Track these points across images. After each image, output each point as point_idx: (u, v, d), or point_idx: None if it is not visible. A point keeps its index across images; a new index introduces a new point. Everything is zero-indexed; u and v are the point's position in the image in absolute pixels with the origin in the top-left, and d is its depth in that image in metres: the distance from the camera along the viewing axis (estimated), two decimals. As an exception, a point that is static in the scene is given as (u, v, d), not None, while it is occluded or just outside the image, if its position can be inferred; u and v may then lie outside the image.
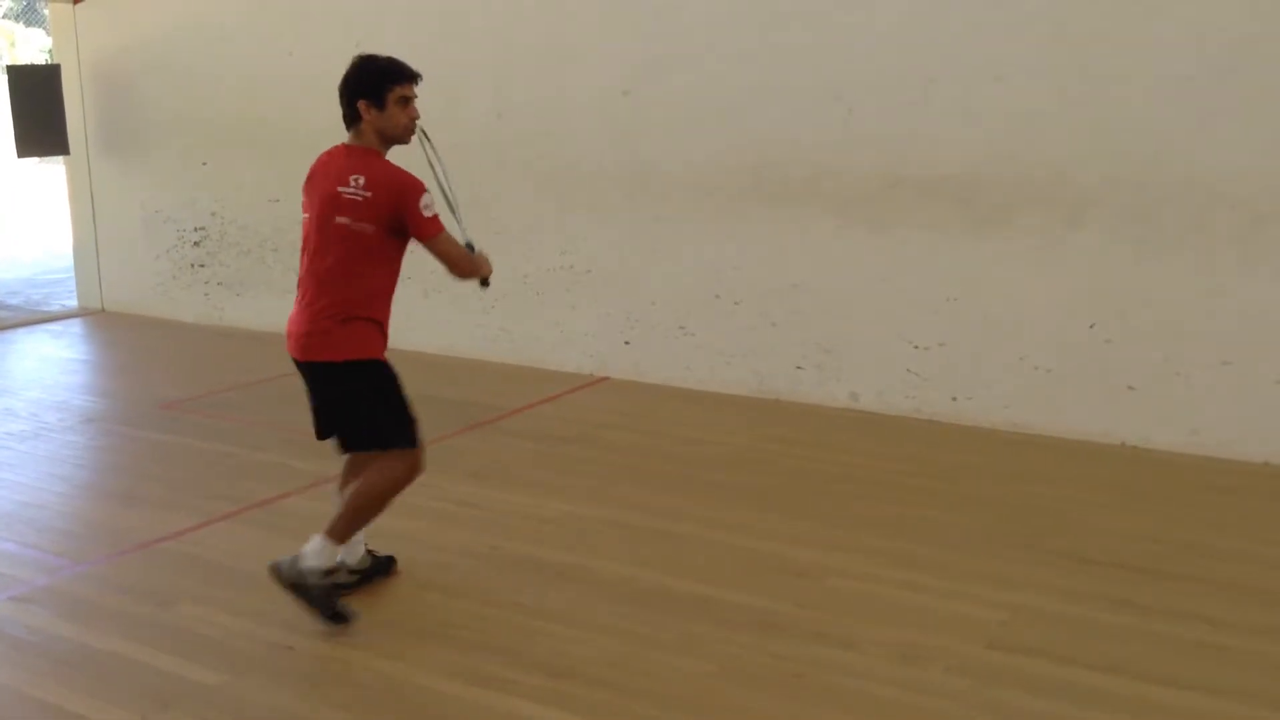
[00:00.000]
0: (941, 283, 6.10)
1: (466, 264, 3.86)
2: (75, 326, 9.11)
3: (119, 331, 8.90)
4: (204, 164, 8.74)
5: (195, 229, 8.89)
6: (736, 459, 5.64)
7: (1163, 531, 4.66)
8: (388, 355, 3.90)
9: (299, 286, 3.90)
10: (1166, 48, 5.42)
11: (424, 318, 7.48)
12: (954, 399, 6.16)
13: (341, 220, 3.68)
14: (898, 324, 6.26)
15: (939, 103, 5.96)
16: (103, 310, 9.52)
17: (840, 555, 4.43)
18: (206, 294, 8.92)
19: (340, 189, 3.68)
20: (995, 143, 5.87)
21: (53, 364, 7.96)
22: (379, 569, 4.21)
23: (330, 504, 4.92)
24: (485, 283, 4.00)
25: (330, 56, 7.87)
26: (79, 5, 9.12)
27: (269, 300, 8.57)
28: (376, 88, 3.72)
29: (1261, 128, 5.28)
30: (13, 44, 24.78)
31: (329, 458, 5.58)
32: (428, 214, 3.69)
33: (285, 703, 3.43)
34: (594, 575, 4.28)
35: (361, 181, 3.65)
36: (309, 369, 3.85)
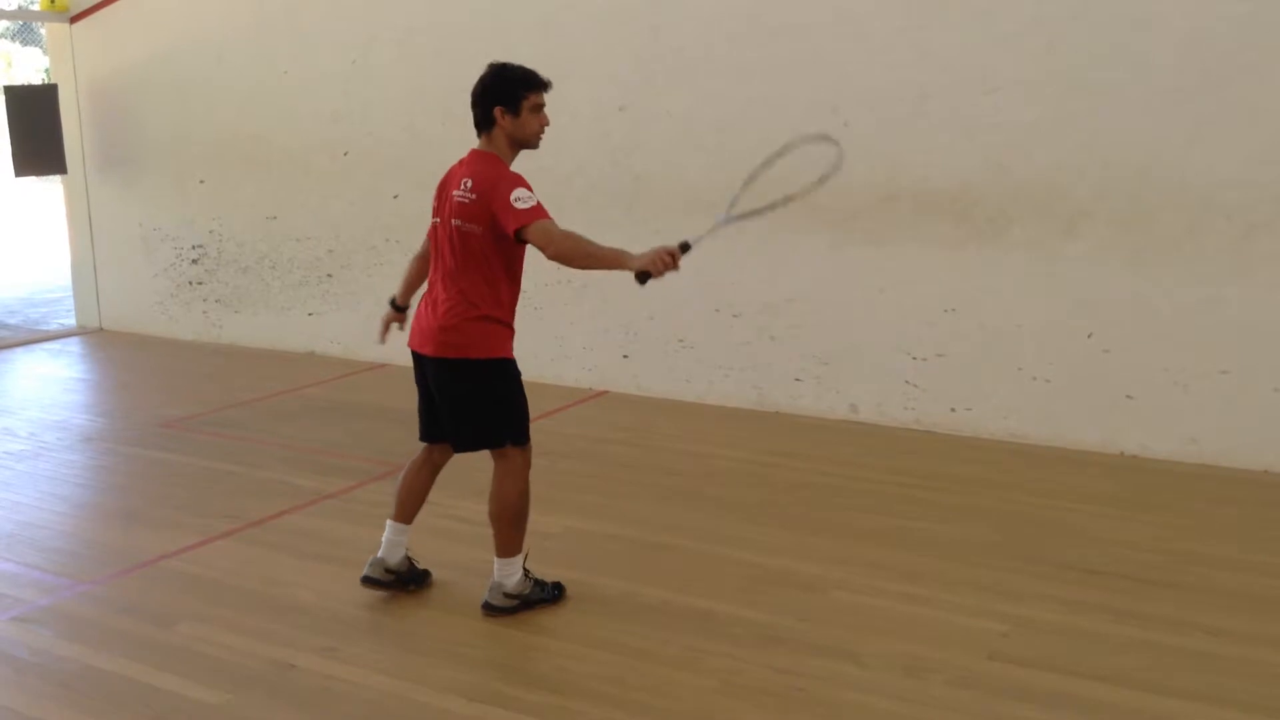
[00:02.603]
0: (939, 294, 6.12)
1: (575, 250, 3.75)
2: (74, 345, 9.11)
3: (118, 350, 8.90)
4: (201, 182, 8.76)
5: (193, 247, 8.90)
6: (736, 472, 5.64)
7: (1163, 541, 4.67)
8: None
9: (430, 287, 3.97)
10: (1157, 59, 5.45)
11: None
12: (953, 410, 6.16)
13: (456, 223, 3.80)
14: (896, 336, 6.27)
15: (933, 116, 5.98)
16: (101, 329, 9.52)
17: (841, 568, 4.43)
18: (205, 311, 8.93)
19: (455, 193, 3.82)
20: (989, 155, 5.89)
21: (52, 383, 7.97)
22: (414, 578, 4.26)
23: (332, 520, 4.92)
24: (641, 278, 3.73)
25: (326, 75, 8.01)
26: (76, 25, 9.15)
27: (268, 317, 8.58)
28: (513, 95, 3.81)
29: (1254, 137, 5.30)
30: (10, 64, 24.86)
31: (329, 475, 5.60)
32: (520, 205, 3.70)
33: (287, 721, 3.43)
34: (595, 590, 4.28)
35: (470, 184, 3.78)
36: (435, 365, 3.88)
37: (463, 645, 3.87)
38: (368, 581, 4.16)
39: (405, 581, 4.21)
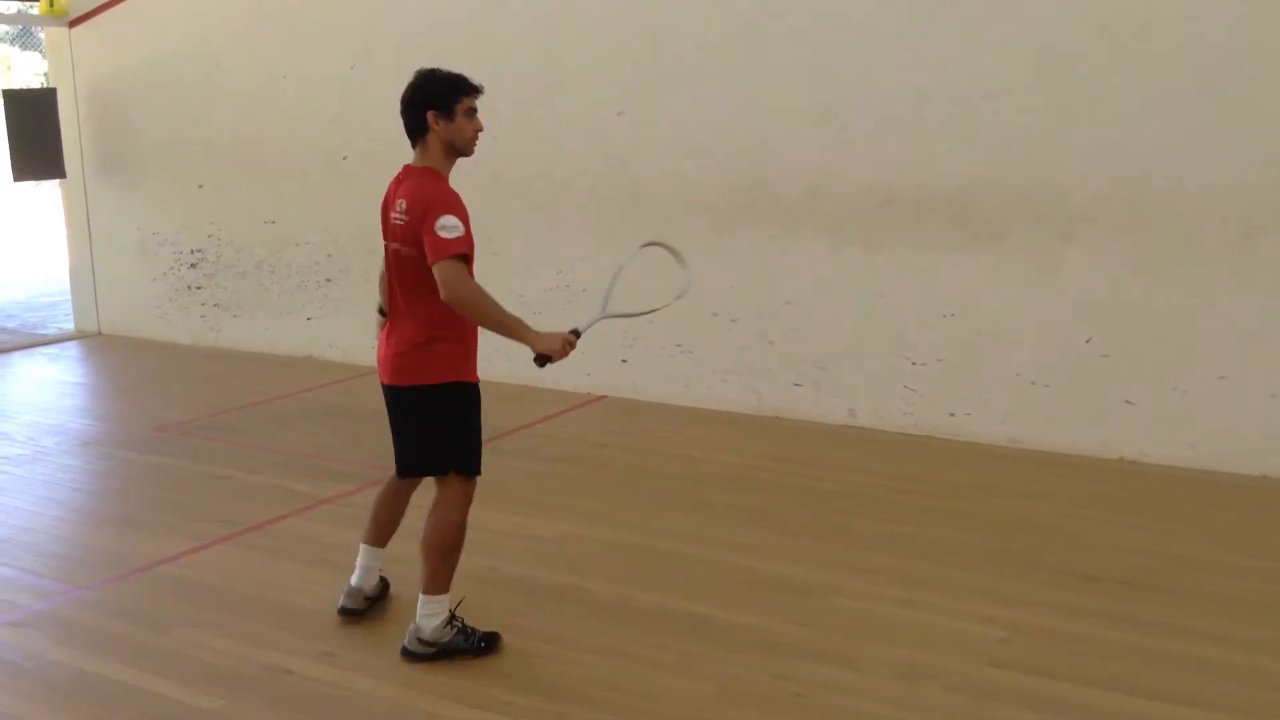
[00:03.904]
0: (937, 299, 6.12)
1: (475, 305, 3.53)
2: (72, 349, 9.10)
3: (116, 354, 8.89)
4: (200, 186, 8.76)
5: (192, 251, 8.90)
6: (735, 477, 5.64)
7: (1161, 546, 4.66)
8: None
9: (389, 312, 3.81)
10: (1156, 64, 5.45)
11: (421, 338, 7.48)
12: (951, 415, 6.16)
13: (394, 246, 3.66)
14: (894, 341, 6.26)
15: (931, 121, 5.99)
16: (99, 333, 9.52)
17: (839, 573, 4.42)
18: (203, 316, 8.92)
19: (394, 215, 3.67)
20: (987, 160, 5.89)
21: (50, 387, 7.96)
22: (383, 595, 4.20)
23: (328, 525, 4.91)
24: (540, 360, 3.66)
25: (324, 80, 8.01)
26: (75, 29, 9.15)
27: (266, 322, 8.58)
28: (445, 99, 3.65)
29: (1252, 142, 5.30)
30: (8, 68, 24.86)
31: (325, 480, 5.59)
32: (442, 235, 3.48)
33: (283, 727, 3.42)
34: (592, 596, 4.27)
35: (404, 205, 3.62)
36: (390, 392, 3.77)
37: (459, 650, 3.85)
38: (346, 613, 4.05)
39: (375, 602, 4.15)
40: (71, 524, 5.29)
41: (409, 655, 3.76)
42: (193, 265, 8.92)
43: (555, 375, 7.21)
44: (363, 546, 4.10)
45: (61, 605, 4.26)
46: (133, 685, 3.63)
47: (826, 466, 5.77)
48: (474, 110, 3.71)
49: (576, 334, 3.70)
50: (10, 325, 10.22)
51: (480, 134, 3.75)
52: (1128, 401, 5.72)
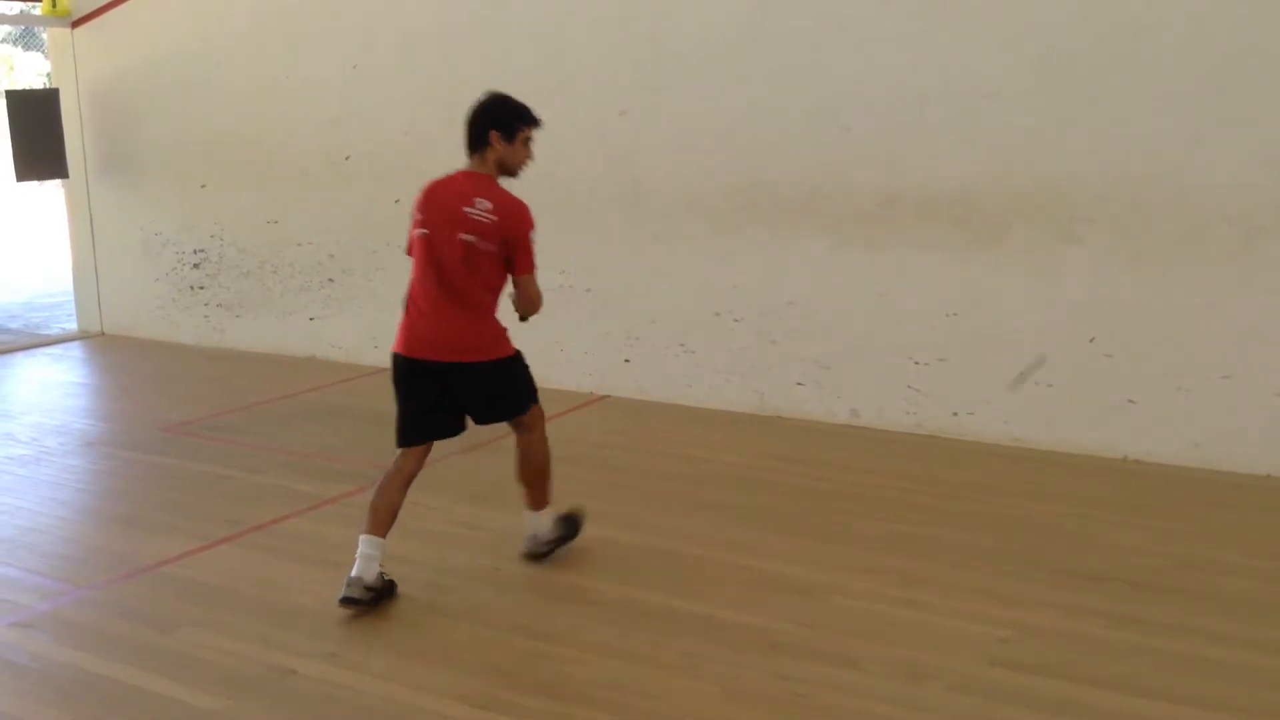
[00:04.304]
0: (940, 299, 6.11)
1: (534, 305, 4.26)
2: (75, 350, 9.11)
3: (119, 354, 8.90)
4: (202, 186, 8.77)
5: (195, 251, 8.91)
6: (737, 477, 5.64)
7: (1164, 546, 4.66)
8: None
9: (422, 295, 4.16)
10: (1158, 63, 5.45)
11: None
12: (954, 414, 6.16)
13: (469, 238, 4.05)
14: (897, 340, 6.26)
15: (933, 121, 5.98)
16: (102, 333, 9.53)
17: (842, 573, 4.42)
18: (206, 316, 8.93)
19: (466, 209, 4.05)
20: (990, 160, 5.88)
21: (53, 388, 7.97)
22: (388, 592, 4.19)
23: (331, 525, 4.92)
24: (524, 318, 4.32)
25: (326, 80, 8.01)
26: (77, 30, 9.16)
27: (269, 322, 8.58)
28: (510, 124, 4.14)
29: (1255, 141, 5.30)
30: (11, 68, 24.88)
31: (328, 480, 5.60)
32: (532, 252, 4.16)
33: (287, 727, 3.42)
34: (595, 596, 4.27)
35: (489, 206, 4.06)
36: (463, 369, 4.15)
37: (463, 651, 3.86)
38: (348, 602, 4.05)
39: (380, 597, 4.13)
40: (75, 524, 5.30)
41: (536, 557, 4.48)
42: (195, 265, 8.93)
43: (558, 375, 7.25)
44: (364, 536, 4.13)
45: (65, 605, 4.26)
46: (136, 686, 3.64)
47: (829, 466, 5.77)
48: (530, 140, 4.20)
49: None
50: (13, 325, 10.23)
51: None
52: (1131, 401, 5.72)
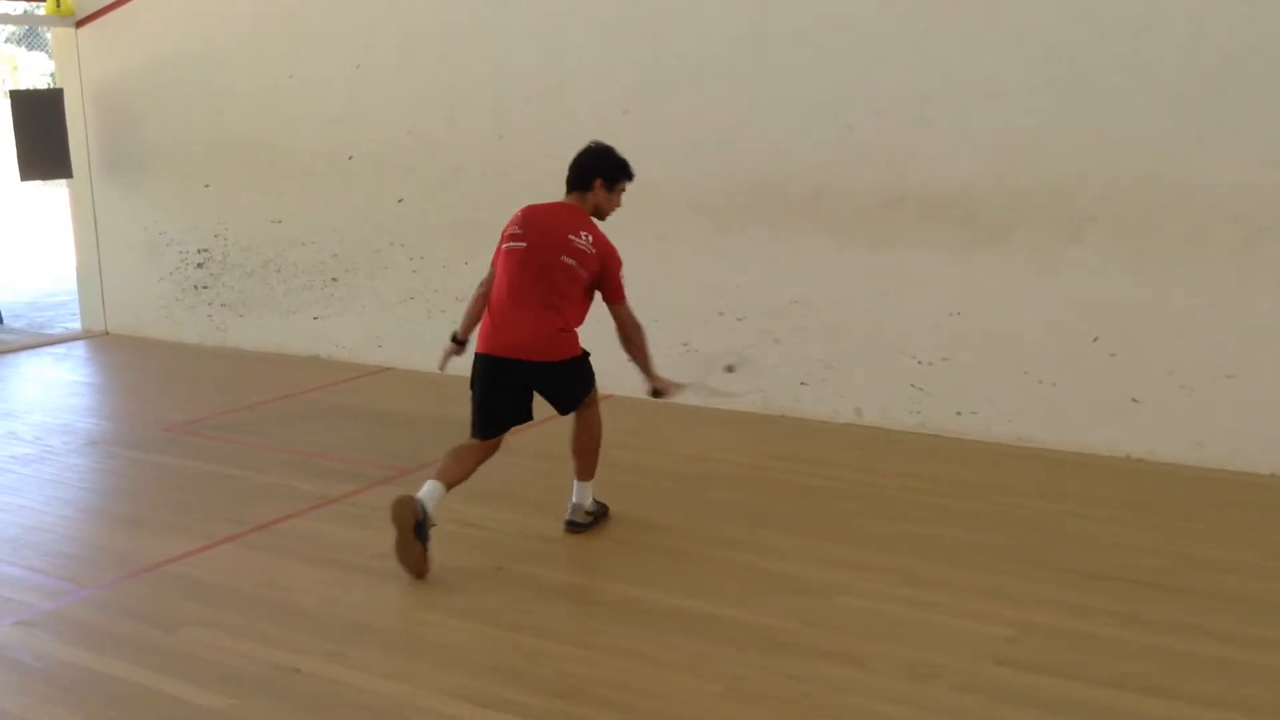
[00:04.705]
0: (943, 298, 6.11)
1: (641, 340, 4.86)
2: (79, 349, 9.12)
3: (123, 354, 8.91)
4: (206, 186, 8.77)
5: (198, 251, 8.91)
6: (741, 477, 5.64)
7: (1169, 545, 4.66)
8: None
9: (510, 303, 4.58)
10: (1159, 63, 5.44)
11: (428, 338, 7.48)
12: (958, 414, 6.15)
13: (569, 261, 4.56)
14: (900, 339, 6.26)
15: (936, 121, 5.98)
16: (106, 333, 9.54)
17: (846, 573, 4.42)
18: (210, 315, 8.93)
19: (571, 236, 4.58)
20: (992, 159, 5.88)
21: (57, 387, 7.97)
22: (423, 534, 4.34)
23: (335, 525, 4.93)
24: (656, 393, 4.95)
25: (330, 80, 8.02)
26: (81, 29, 9.17)
27: (272, 321, 8.59)
28: (614, 176, 4.71)
29: (1258, 141, 5.29)
30: (15, 69, 24.92)
31: (332, 479, 5.60)
32: (622, 283, 4.73)
33: (291, 726, 3.42)
34: (599, 595, 4.28)
35: (591, 239, 4.60)
36: (545, 367, 4.60)
37: (467, 650, 3.86)
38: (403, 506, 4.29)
39: (420, 530, 4.28)
40: (79, 523, 5.30)
41: (576, 527, 4.85)
42: (199, 265, 8.93)
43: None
44: (436, 483, 4.42)
45: (69, 605, 4.27)
46: (140, 685, 3.64)
47: (832, 465, 5.76)
48: (623, 191, 4.76)
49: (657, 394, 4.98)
50: (17, 325, 10.24)
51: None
52: (1135, 400, 5.71)
